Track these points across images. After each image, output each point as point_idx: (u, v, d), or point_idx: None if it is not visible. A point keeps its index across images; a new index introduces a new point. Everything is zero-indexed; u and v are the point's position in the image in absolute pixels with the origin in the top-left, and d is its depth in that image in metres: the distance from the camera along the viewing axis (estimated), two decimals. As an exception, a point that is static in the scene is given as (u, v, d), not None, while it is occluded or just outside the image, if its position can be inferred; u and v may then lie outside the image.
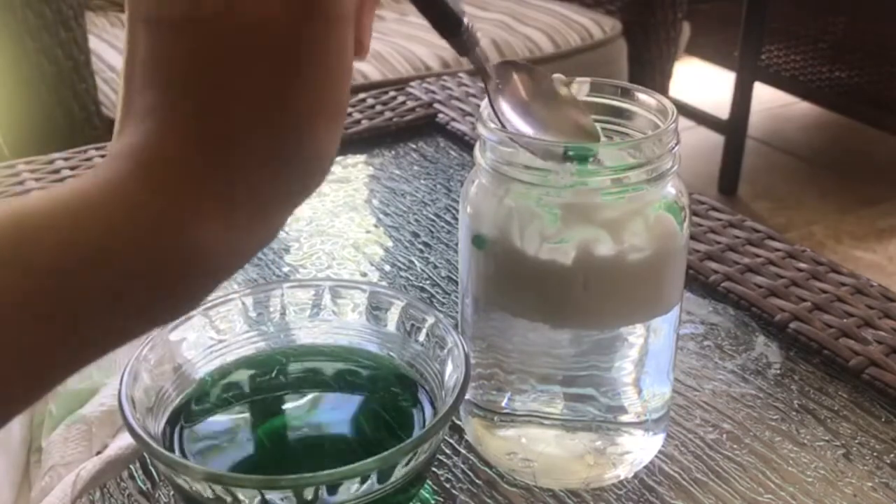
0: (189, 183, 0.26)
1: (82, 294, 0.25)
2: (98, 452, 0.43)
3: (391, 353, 0.44)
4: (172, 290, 0.27)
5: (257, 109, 0.27)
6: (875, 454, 0.46)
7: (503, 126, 0.39)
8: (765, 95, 2.28)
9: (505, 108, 0.40)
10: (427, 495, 0.44)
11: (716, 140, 2.19)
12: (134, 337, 0.28)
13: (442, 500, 0.44)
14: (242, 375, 0.43)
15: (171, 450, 0.39)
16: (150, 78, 0.27)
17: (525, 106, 0.40)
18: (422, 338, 0.43)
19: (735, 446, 0.47)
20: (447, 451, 0.46)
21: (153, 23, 0.27)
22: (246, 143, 0.27)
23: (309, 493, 0.34)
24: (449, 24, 0.36)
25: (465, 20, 0.36)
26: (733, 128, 2.16)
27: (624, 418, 0.44)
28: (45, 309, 0.24)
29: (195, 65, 0.27)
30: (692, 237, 0.63)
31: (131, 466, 0.45)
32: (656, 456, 0.46)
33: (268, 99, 0.27)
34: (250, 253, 0.28)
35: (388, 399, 0.43)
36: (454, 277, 0.61)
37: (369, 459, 0.35)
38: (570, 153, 0.39)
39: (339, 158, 0.78)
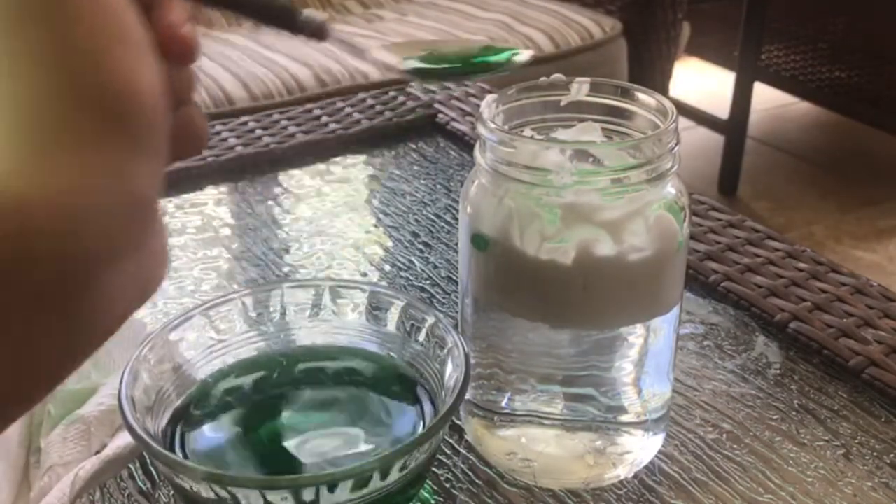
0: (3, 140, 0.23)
1: None
2: (97, 452, 0.43)
3: (391, 353, 0.44)
4: (25, 281, 0.22)
5: (43, 53, 0.24)
6: (875, 454, 0.46)
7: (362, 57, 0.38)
8: (765, 95, 2.28)
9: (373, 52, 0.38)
10: (427, 495, 0.44)
11: (716, 140, 2.19)
12: (47, 376, 0.24)
13: (442, 500, 0.44)
14: (242, 375, 0.43)
15: (171, 450, 0.39)
16: None
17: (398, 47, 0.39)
18: (422, 338, 0.43)
19: (735, 446, 0.47)
20: (447, 451, 0.46)
21: None
22: (42, 92, 0.24)
23: (309, 493, 0.34)
24: (284, 19, 0.34)
25: (303, 11, 0.34)
26: (733, 128, 2.16)
27: (624, 418, 0.43)
28: None
29: None
30: (692, 237, 0.63)
31: (131, 466, 0.45)
32: (656, 456, 0.46)
33: (45, 38, 0.24)
34: (110, 214, 0.24)
35: (388, 399, 0.43)
36: (454, 277, 0.61)
37: (369, 459, 0.35)
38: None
39: (338, 158, 0.78)
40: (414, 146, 0.80)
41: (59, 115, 0.24)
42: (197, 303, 0.44)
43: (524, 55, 0.40)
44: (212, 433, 0.41)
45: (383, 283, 0.61)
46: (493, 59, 0.40)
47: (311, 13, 0.34)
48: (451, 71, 0.41)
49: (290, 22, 0.34)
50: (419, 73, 0.39)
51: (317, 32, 0.35)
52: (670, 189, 0.40)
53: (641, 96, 0.42)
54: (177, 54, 0.29)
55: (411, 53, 0.39)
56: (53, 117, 0.24)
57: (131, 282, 0.25)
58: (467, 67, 0.40)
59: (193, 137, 0.31)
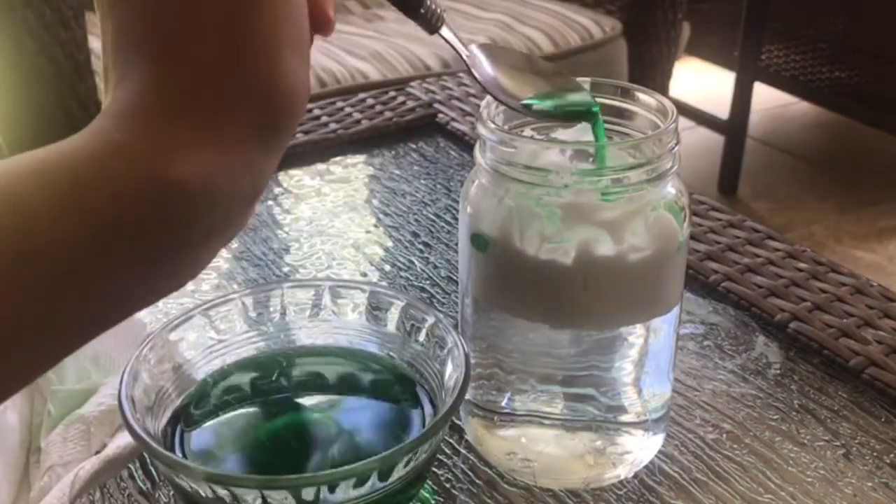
0: (164, 128, 0.27)
1: (71, 244, 0.25)
2: (97, 452, 0.43)
3: (391, 353, 0.44)
4: (157, 234, 0.27)
5: (217, 47, 0.27)
6: (875, 454, 0.46)
7: (484, 87, 0.40)
8: (765, 95, 2.28)
9: (485, 72, 0.40)
10: (427, 495, 0.44)
11: (716, 140, 2.19)
12: (137, 303, 0.28)
13: (442, 500, 0.44)
14: (242, 376, 0.43)
15: (171, 450, 0.39)
16: (118, 53, 0.28)
17: (506, 71, 0.41)
18: (422, 338, 0.43)
19: (735, 446, 0.47)
20: (447, 451, 0.46)
21: (112, 5, 0.28)
22: (213, 85, 0.27)
23: (309, 493, 0.34)
24: (410, 3, 0.37)
25: (428, 1, 0.37)
26: (733, 128, 2.16)
27: (624, 418, 0.43)
28: (43, 265, 0.25)
29: (150, 22, 0.27)
30: (692, 237, 0.63)
31: (131, 466, 0.45)
32: (656, 456, 0.46)
33: (226, 35, 0.27)
34: (233, 199, 0.28)
35: (388, 399, 0.43)
36: (454, 277, 0.61)
37: (369, 459, 0.35)
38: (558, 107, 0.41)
39: (338, 158, 0.78)
40: (414, 146, 0.80)
41: (222, 107, 0.27)
42: (197, 303, 0.44)
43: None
44: (212, 433, 0.41)
45: (383, 283, 0.61)
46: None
47: (435, 4, 0.37)
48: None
49: (413, 5, 0.37)
50: (534, 113, 0.41)
51: (429, 23, 0.37)
52: (670, 189, 0.40)
53: (641, 96, 0.42)
54: (316, 30, 0.31)
55: (527, 92, 0.41)
56: (216, 109, 0.27)
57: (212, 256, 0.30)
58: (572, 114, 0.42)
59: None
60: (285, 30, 0.28)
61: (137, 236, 0.26)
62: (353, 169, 0.77)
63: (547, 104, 0.41)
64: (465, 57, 0.40)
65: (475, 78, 0.39)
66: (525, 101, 0.40)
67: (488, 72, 0.40)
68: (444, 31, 0.38)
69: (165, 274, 0.28)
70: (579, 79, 0.43)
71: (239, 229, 0.30)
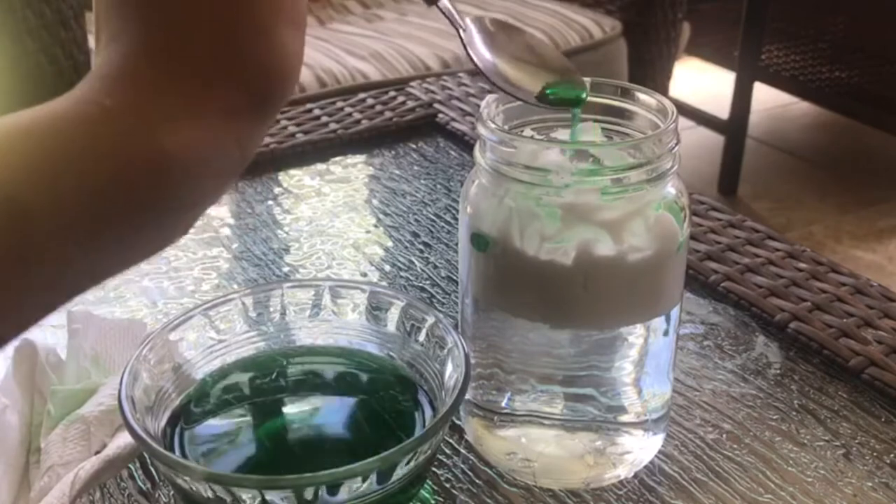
0: (155, 95, 0.26)
1: (56, 205, 0.25)
2: (97, 452, 0.43)
3: (391, 354, 0.44)
4: (147, 201, 0.27)
5: (211, 14, 0.27)
6: (875, 454, 0.46)
7: (479, 67, 0.40)
8: (765, 95, 2.28)
9: (480, 51, 0.40)
10: (427, 495, 0.44)
11: (716, 140, 2.19)
12: (120, 263, 0.28)
13: (442, 500, 0.44)
14: (242, 376, 0.43)
15: (171, 450, 0.39)
16: (111, 9, 0.28)
17: (500, 49, 0.41)
18: (422, 338, 0.43)
19: (735, 446, 0.47)
20: (447, 451, 0.46)
21: None
22: (206, 52, 0.27)
23: (309, 493, 0.34)
24: None
25: None
26: (733, 128, 2.16)
27: (624, 418, 0.43)
28: (26, 230, 0.25)
29: None
30: (692, 237, 0.63)
31: (131, 466, 0.45)
32: (656, 456, 0.46)
33: (220, 2, 0.27)
34: (222, 169, 0.28)
35: (388, 399, 0.43)
36: (454, 277, 0.61)
37: (369, 459, 0.35)
38: (550, 94, 0.41)
39: (338, 158, 0.78)
40: (414, 146, 0.80)
41: (214, 76, 0.27)
42: (197, 303, 0.44)
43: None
44: (211, 433, 0.41)
45: (383, 283, 0.61)
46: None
47: None
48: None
49: None
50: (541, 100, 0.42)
51: None
52: (670, 189, 0.40)
53: (641, 96, 0.42)
54: None
55: (519, 74, 0.41)
56: (207, 77, 0.27)
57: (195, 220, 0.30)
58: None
59: None
60: (282, 4, 0.28)
61: (124, 204, 0.26)
62: (353, 169, 0.77)
63: (537, 87, 0.41)
64: (461, 32, 0.40)
65: (469, 55, 0.39)
66: (518, 84, 0.40)
67: (483, 52, 0.40)
68: (443, 2, 0.38)
69: (147, 238, 0.28)
70: (579, 79, 0.43)
71: (223, 194, 0.30)
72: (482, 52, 0.40)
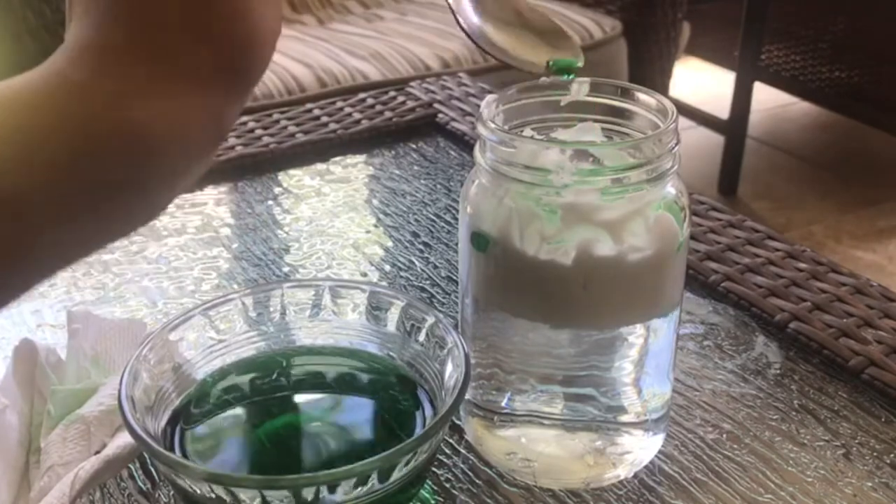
0: (123, 64, 0.26)
1: (24, 180, 0.25)
2: (97, 452, 0.43)
3: (391, 354, 0.44)
4: (119, 175, 0.26)
5: None
6: (875, 454, 0.46)
7: (466, 31, 0.39)
8: (765, 95, 2.28)
9: (468, 15, 0.40)
10: (427, 495, 0.44)
11: (716, 140, 2.19)
12: (94, 242, 0.28)
13: (442, 500, 0.44)
14: (242, 376, 0.43)
15: (171, 450, 0.39)
16: None
17: (488, 13, 0.41)
18: (422, 338, 0.43)
19: (735, 446, 0.47)
20: (447, 451, 0.46)
21: None
22: (176, 21, 0.26)
23: (309, 493, 0.34)
24: None
25: None
26: (733, 128, 2.16)
27: (624, 418, 0.43)
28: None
29: None
30: (692, 237, 0.63)
31: (131, 466, 0.45)
32: (656, 456, 0.46)
33: None
34: (196, 142, 0.28)
35: (388, 399, 0.43)
36: (454, 277, 0.61)
37: (369, 459, 0.35)
38: (552, 65, 0.41)
39: (338, 158, 0.78)
40: (414, 146, 0.80)
41: (186, 49, 0.26)
42: (197, 303, 0.44)
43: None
44: (211, 433, 0.41)
45: (383, 283, 0.61)
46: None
47: None
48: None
49: None
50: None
51: None
52: (670, 189, 0.40)
53: (641, 96, 0.42)
54: None
55: (511, 42, 0.41)
56: (179, 50, 0.26)
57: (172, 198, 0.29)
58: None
59: None
60: None
61: (95, 178, 0.26)
62: (353, 169, 0.77)
63: (526, 52, 0.41)
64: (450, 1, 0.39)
65: (456, 19, 0.39)
66: (510, 52, 0.40)
67: (473, 19, 0.39)
68: None
69: (122, 216, 0.28)
70: (579, 79, 0.43)
71: (200, 173, 0.29)
72: (470, 17, 0.40)
